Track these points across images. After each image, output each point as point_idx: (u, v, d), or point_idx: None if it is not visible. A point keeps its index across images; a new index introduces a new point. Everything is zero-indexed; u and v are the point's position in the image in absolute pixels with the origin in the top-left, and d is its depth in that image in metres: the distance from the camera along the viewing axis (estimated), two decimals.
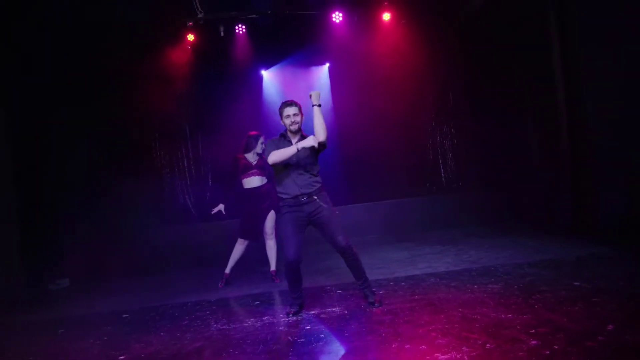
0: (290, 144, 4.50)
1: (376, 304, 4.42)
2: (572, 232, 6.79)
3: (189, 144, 10.57)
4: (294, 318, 4.42)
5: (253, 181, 6.10)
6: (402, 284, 5.19)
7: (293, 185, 4.45)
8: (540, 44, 7.43)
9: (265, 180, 6.13)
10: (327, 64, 10.71)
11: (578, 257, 5.41)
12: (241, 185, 6.16)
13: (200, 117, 10.36)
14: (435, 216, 9.64)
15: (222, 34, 9.69)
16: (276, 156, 4.39)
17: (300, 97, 5.06)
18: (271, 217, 6.12)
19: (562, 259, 5.40)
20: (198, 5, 8.67)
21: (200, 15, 8.89)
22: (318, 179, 4.54)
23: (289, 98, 4.71)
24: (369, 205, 9.73)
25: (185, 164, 10.61)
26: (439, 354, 3.14)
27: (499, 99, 9.20)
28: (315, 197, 4.43)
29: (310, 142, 4.35)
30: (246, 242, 6.19)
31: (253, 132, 6.27)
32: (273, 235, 6.15)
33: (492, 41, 8.84)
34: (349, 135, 10.22)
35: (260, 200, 6.07)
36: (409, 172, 10.56)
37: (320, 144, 4.38)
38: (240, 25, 9.59)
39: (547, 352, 2.97)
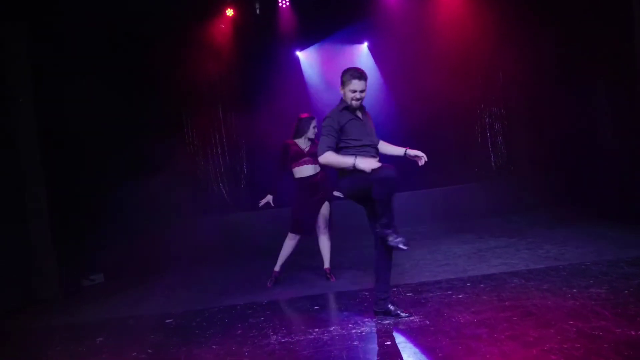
0: (355, 118, 3.95)
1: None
2: None
3: (222, 129, 10.05)
4: (367, 329, 3.81)
5: (306, 170, 5.48)
6: (482, 285, 4.54)
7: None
8: None
9: (318, 169, 5.50)
10: (366, 43, 9.95)
11: None
12: (292, 174, 5.56)
13: (235, 98, 9.81)
14: (489, 203, 8.96)
15: (257, 11, 9.11)
16: (331, 159, 3.84)
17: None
18: (325, 209, 5.51)
19: None
20: None
21: None
22: None
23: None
24: (417, 193, 9.04)
25: (219, 151, 10.09)
26: None
27: (557, 70, 8.42)
28: None
29: (367, 167, 3.70)
30: (298, 237, 5.60)
31: (304, 115, 5.61)
32: (327, 230, 5.54)
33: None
34: (390, 118, 9.49)
35: (314, 190, 5.46)
36: (456, 156, 9.85)
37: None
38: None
39: None
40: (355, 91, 3.88)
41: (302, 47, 9.97)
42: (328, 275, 5.56)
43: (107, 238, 7.04)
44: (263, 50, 9.60)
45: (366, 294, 4.78)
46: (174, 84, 8.85)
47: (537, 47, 8.73)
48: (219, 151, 10.07)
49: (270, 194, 5.57)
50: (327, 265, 5.62)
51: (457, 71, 9.40)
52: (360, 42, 10.01)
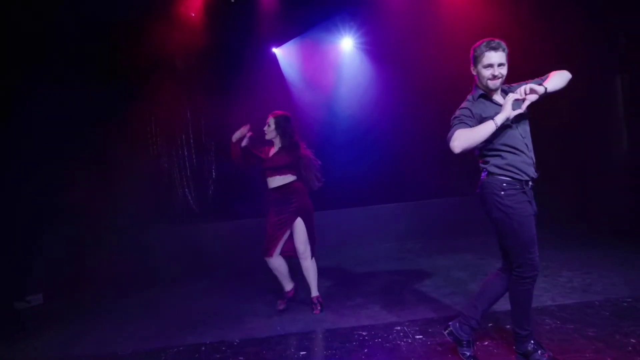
0: (495, 108, 3.02)
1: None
2: None
3: (189, 129, 9.04)
4: None
5: (273, 180, 4.60)
6: (508, 327, 3.69)
7: (525, 165, 3.02)
8: None
9: (293, 177, 4.61)
10: (351, 37, 9.05)
11: None
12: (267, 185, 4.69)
13: (205, 95, 8.79)
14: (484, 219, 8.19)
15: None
16: (464, 137, 2.85)
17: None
18: (301, 227, 4.58)
19: None
20: None
21: None
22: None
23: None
24: (407, 205, 8.21)
25: (186, 152, 9.08)
26: None
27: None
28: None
29: (509, 108, 2.89)
30: (271, 259, 4.66)
31: (277, 113, 4.70)
32: (308, 253, 4.61)
33: None
34: (383, 126, 8.58)
35: (286, 202, 4.56)
36: (447, 167, 9.01)
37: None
38: None
39: None
40: (490, 66, 2.99)
41: (279, 43, 9.03)
42: (315, 305, 4.64)
43: (49, 251, 5.98)
44: (238, 43, 8.64)
45: (363, 333, 3.87)
46: (136, 78, 7.79)
47: (547, 43, 7.97)
48: (185, 153, 9.07)
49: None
50: (314, 293, 4.69)
51: (456, 69, 8.58)
52: (343, 37, 9.07)
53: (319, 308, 4.59)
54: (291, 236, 4.59)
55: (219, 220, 8.04)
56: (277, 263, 4.63)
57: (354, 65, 8.75)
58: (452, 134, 2.86)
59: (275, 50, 9.11)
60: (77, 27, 6.88)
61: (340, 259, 6.67)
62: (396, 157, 8.54)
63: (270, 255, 4.59)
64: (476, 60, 3.03)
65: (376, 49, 8.62)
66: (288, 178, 4.56)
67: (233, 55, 8.63)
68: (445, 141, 2.88)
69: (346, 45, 8.88)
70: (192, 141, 9.05)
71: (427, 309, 4.31)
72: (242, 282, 6.03)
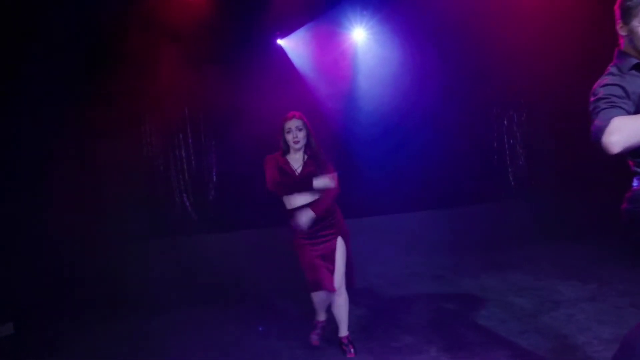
0: None
1: None
2: None
3: (187, 129, 8.08)
4: None
5: (299, 197, 3.58)
6: None
7: None
8: None
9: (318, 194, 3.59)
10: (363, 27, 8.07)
11: None
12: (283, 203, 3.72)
13: (206, 91, 7.83)
14: (513, 228, 7.34)
15: None
16: (627, 132, 1.79)
17: None
18: (339, 257, 3.59)
19: None
20: None
21: None
22: None
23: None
24: (427, 214, 7.33)
25: (184, 154, 8.12)
26: None
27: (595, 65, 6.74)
28: None
29: None
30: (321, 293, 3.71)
31: (293, 114, 3.69)
32: (343, 288, 3.63)
33: None
34: (391, 126, 7.63)
35: (316, 230, 3.57)
36: (468, 170, 8.03)
37: None
38: None
39: None
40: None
41: (284, 34, 8.02)
42: (345, 347, 3.68)
43: (20, 272, 5.01)
44: (243, 33, 7.72)
45: None
46: (130, 73, 6.82)
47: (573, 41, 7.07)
48: (183, 154, 8.10)
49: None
50: (343, 332, 3.72)
51: (474, 62, 7.67)
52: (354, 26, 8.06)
53: (352, 350, 3.64)
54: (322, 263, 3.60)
55: (221, 231, 7.11)
56: (327, 295, 3.68)
57: (373, 54, 7.78)
58: (606, 123, 1.83)
59: (281, 41, 8.14)
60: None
61: (364, 277, 5.69)
62: (420, 158, 7.64)
63: (330, 288, 3.54)
64: (628, 13, 2.04)
65: (403, 36, 7.66)
66: (317, 193, 3.60)
67: (237, 47, 7.70)
68: (592, 134, 1.88)
69: (360, 33, 7.93)
70: (190, 141, 8.10)
71: (503, 356, 3.33)
72: (249, 308, 5.07)
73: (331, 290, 3.53)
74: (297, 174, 3.59)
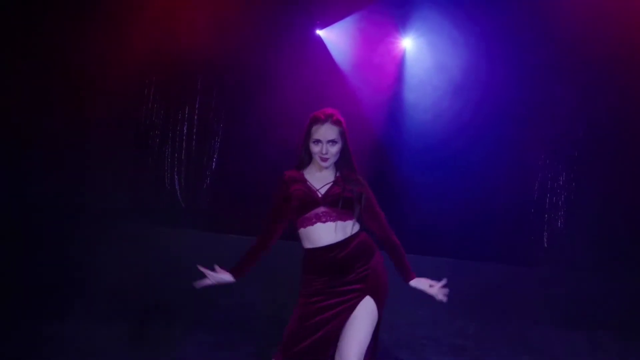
0: None
1: None
2: None
3: (196, 103, 7.21)
4: None
5: (321, 232, 2.37)
6: None
7: None
8: None
9: (351, 231, 2.41)
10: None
11: None
12: (300, 236, 2.47)
13: (225, 68, 7.15)
14: (541, 298, 6.30)
15: None
16: None
17: None
18: (365, 319, 2.38)
19: None
20: None
21: None
22: None
23: None
24: (445, 261, 6.37)
25: (185, 130, 7.19)
26: None
27: None
28: None
29: None
30: None
31: (326, 111, 2.45)
32: None
33: None
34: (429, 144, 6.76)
35: (336, 279, 2.35)
36: (498, 215, 7.13)
37: None
38: None
39: None
40: None
41: (325, 23, 7.25)
42: None
43: None
44: (278, 15, 7.01)
45: None
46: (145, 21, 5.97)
47: None
48: (185, 131, 7.21)
49: (233, 271, 2.37)
50: None
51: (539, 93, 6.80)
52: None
53: None
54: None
55: (209, 229, 6.15)
56: None
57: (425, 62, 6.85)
58: None
59: (320, 32, 7.33)
60: None
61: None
62: (451, 191, 6.76)
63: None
64: None
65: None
66: (350, 225, 2.46)
67: (270, 28, 7.03)
68: None
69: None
70: (196, 118, 7.18)
71: None
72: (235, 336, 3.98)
73: None
74: (319, 195, 2.46)
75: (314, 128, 2.48)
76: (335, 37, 7.37)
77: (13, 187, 4.54)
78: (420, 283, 2.40)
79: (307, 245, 2.43)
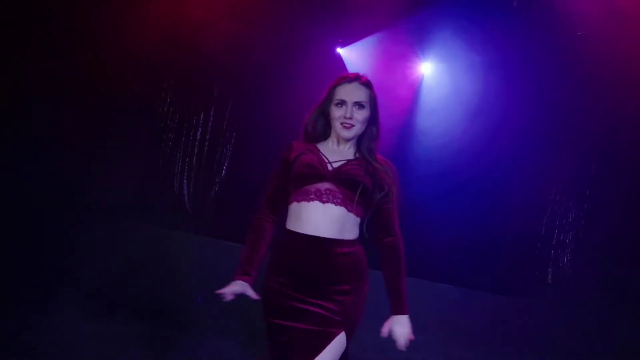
0: None
1: None
2: None
3: (212, 109, 7.27)
4: None
5: (317, 214, 1.93)
6: None
7: None
8: None
9: (353, 232, 2.02)
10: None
11: None
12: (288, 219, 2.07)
13: (243, 76, 7.08)
14: (543, 332, 6.20)
15: None
16: None
17: None
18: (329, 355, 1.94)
19: None
20: None
21: None
22: None
23: None
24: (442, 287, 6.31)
25: (198, 136, 7.24)
26: None
27: None
28: None
29: None
30: None
31: (356, 74, 2.12)
32: None
33: None
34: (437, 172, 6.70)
35: (315, 278, 1.97)
36: (502, 247, 7.01)
37: None
38: None
39: None
40: None
41: (346, 42, 7.24)
42: None
43: None
44: (301, 32, 6.94)
45: None
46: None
47: None
48: (198, 137, 7.28)
49: (242, 276, 2.00)
50: None
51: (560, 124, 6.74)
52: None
53: None
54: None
55: (214, 236, 6.23)
56: None
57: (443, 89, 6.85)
58: None
59: (340, 50, 7.32)
60: None
61: (358, 345, 4.55)
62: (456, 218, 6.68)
63: None
64: None
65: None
66: (353, 223, 2.00)
67: (292, 44, 6.98)
68: None
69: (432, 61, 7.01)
70: (210, 125, 7.21)
71: None
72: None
73: None
74: (329, 167, 1.96)
75: (338, 88, 1.99)
76: (355, 56, 7.35)
77: (17, 182, 4.59)
78: (398, 325, 2.05)
79: (290, 225, 1.98)
